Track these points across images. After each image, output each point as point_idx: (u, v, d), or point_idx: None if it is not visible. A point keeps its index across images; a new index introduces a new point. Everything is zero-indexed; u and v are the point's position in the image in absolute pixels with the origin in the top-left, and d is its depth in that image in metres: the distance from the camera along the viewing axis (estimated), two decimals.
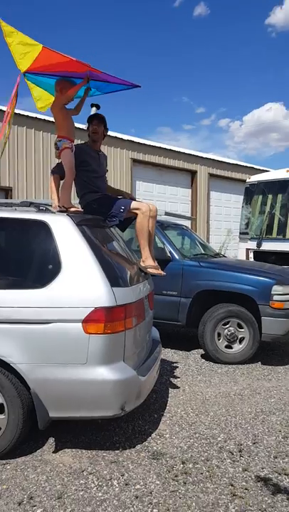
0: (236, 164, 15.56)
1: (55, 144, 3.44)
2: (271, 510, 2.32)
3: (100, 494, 2.40)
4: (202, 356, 5.11)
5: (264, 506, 2.35)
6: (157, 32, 53.09)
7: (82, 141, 3.93)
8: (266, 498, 2.41)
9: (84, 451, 2.85)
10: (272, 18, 49.69)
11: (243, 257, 8.34)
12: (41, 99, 3.54)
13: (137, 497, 2.38)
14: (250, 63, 58.91)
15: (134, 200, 3.79)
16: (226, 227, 14.58)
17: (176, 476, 2.58)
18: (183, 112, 62.93)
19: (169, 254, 5.23)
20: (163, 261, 4.71)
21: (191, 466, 2.70)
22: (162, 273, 3.57)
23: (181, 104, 60.11)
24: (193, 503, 2.35)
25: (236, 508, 2.33)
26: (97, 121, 3.69)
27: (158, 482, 2.52)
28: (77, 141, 3.62)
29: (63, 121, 3.43)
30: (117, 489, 2.45)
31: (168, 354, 5.16)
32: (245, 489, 2.49)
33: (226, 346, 4.89)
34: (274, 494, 2.46)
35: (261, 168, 15.78)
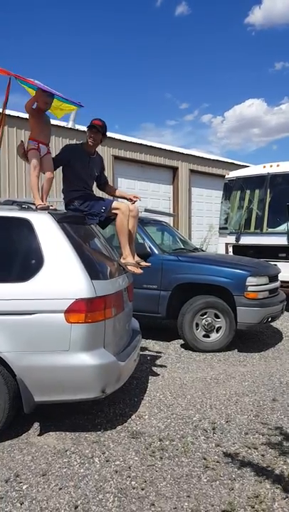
0: (217, 160, 15.83)
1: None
2: (240, 480, 2.54)
3: (82, 470, 2.60)
4: (181, 346, 5.35)
5: (234, 476, 2.57)
6: (140, 30, 53.07)
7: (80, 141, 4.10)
8: (236, 469, 2.64)
9: (67, 433, 3.05)
10: (251, 18, 50.12)
11: (223, 252, 8.59)
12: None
13: (116, 471, 2.58)
14: (231, 60, 59.32)
15: (139, 199, 4.06)
16: (207, 223, 14.84)
17: (153, 452, 2.80)
18: (166, 108, 63.10)
19: (148, 249, 5.43)
20: (143, 256, 4.91)
21: (167, 443, 2.92)
22: (140, 271, 3.76)
23: (165, 100, 60.29)
24: (169, 476, 2.56)
25: (208, 478, 2.55)
26: (96, 130, 3.82)
27: (136, 458, 2.73)
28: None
29: (33, 125, 3.67)
30: (98, 465, 2.65)
31: (149, 344, 5.38)
32: (217, 462, 2.72)
33: (204, 336, 5.13)
34: (243, 466, 2.69)
35: (241, 163, 16.08)
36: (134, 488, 2.43)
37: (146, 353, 5.00)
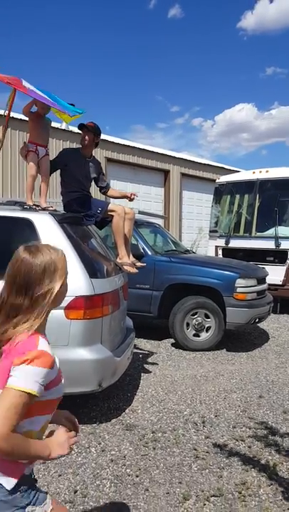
0: (207, 164, 16.07)
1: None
2: (228, 468, 2.71)
3: (79, 459, 2.74)
4: (172, 345, 5.51)
5: (222, 465, 2.74)
6: (133, 33, 53.43)
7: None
8: (224, 459, 2.81)
9: None
10: (243, 22, 50.87)
11: (213, 254, 8.79)
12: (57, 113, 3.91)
13: (112, 460, 2.73)
14: (223, 65, 60.06)
15: (136, 195, 4.23)
16: (197, 226, 15.04)
17: (146, 443, 2.95)
18: (157, 110, 63.55)
19: (142, 250, 5.58)
20: (136, 256, 5.05)
21: (160, 435, 3.08)
22: (135, 271, 3.92)
23: (156, 102, 60.68)
24: (161, 464, 2.72)
25: (198, 466, 2.71)
26: (86, 130, 3.94)
27: (131, 448, 2.88)
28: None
29: (32, 128, 3.83)
30: (94, 455, 2.79)
31: (141, 343, 5.53)
32: (207, 452, 2.88)
33: (194, 335, 5.31)
34: (231, 456, 2.86)
35: (231, 168, 16.35)
36: (129, 475, 2.58)
37: (139, 351, 5.14)
